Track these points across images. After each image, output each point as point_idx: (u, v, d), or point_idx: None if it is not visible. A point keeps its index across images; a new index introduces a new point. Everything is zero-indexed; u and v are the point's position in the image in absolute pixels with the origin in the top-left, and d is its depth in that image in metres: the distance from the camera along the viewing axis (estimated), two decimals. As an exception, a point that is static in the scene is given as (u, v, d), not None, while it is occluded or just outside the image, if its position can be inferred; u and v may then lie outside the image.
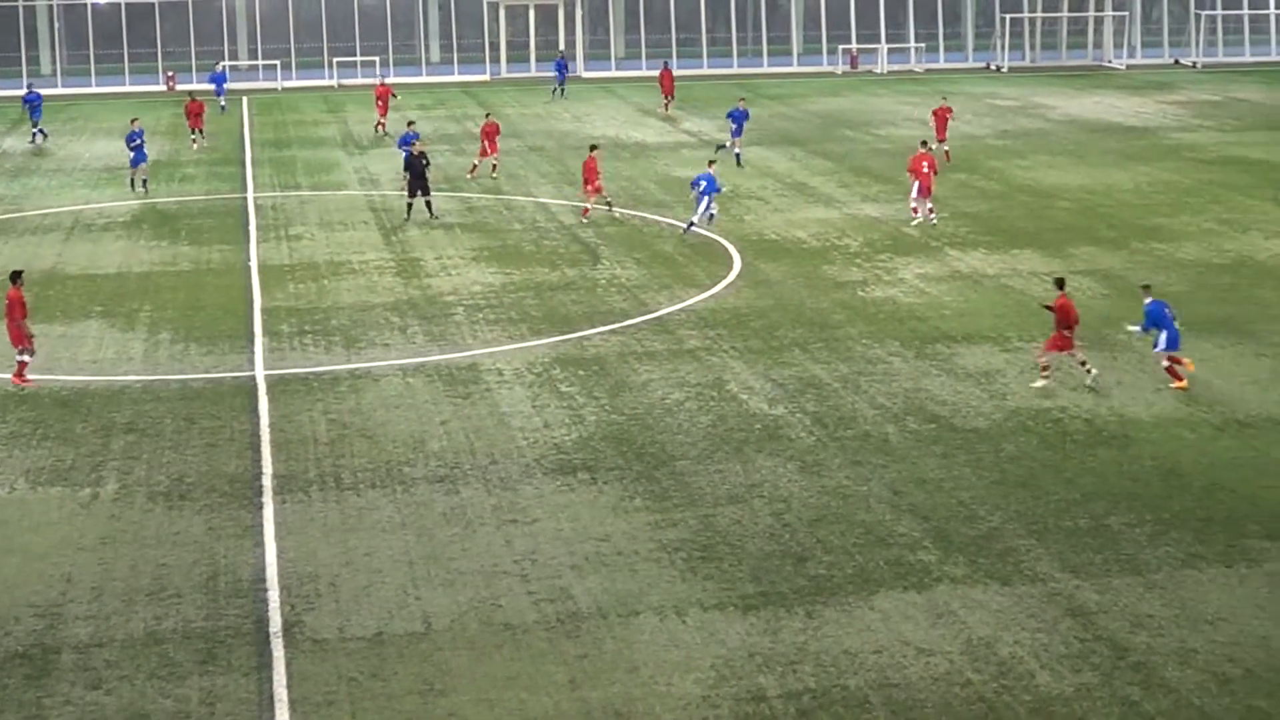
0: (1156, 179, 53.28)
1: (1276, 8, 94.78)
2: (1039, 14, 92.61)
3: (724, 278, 39.08)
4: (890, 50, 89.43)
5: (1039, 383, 29.96)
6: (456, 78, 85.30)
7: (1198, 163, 56.64)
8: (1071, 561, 22.20)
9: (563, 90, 77.06)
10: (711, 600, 20.99)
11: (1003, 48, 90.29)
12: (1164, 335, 30.09)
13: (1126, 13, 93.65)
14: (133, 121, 54.15)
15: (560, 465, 26.05)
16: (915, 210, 45.73)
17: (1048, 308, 30.72)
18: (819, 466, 25.98)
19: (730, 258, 41.27)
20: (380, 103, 65.93)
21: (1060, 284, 30.76)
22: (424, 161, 46.28)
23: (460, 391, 30.07)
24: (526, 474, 25.67)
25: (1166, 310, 30.36)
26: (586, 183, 46.09)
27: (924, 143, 48.14)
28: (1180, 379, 29.92)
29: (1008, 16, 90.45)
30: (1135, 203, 49.11)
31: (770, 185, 52.23)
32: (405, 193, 46.70)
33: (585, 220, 45.79)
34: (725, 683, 18.78)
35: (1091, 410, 28.73)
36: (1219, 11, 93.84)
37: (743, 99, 61.59)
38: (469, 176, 53.55)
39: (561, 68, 78.08)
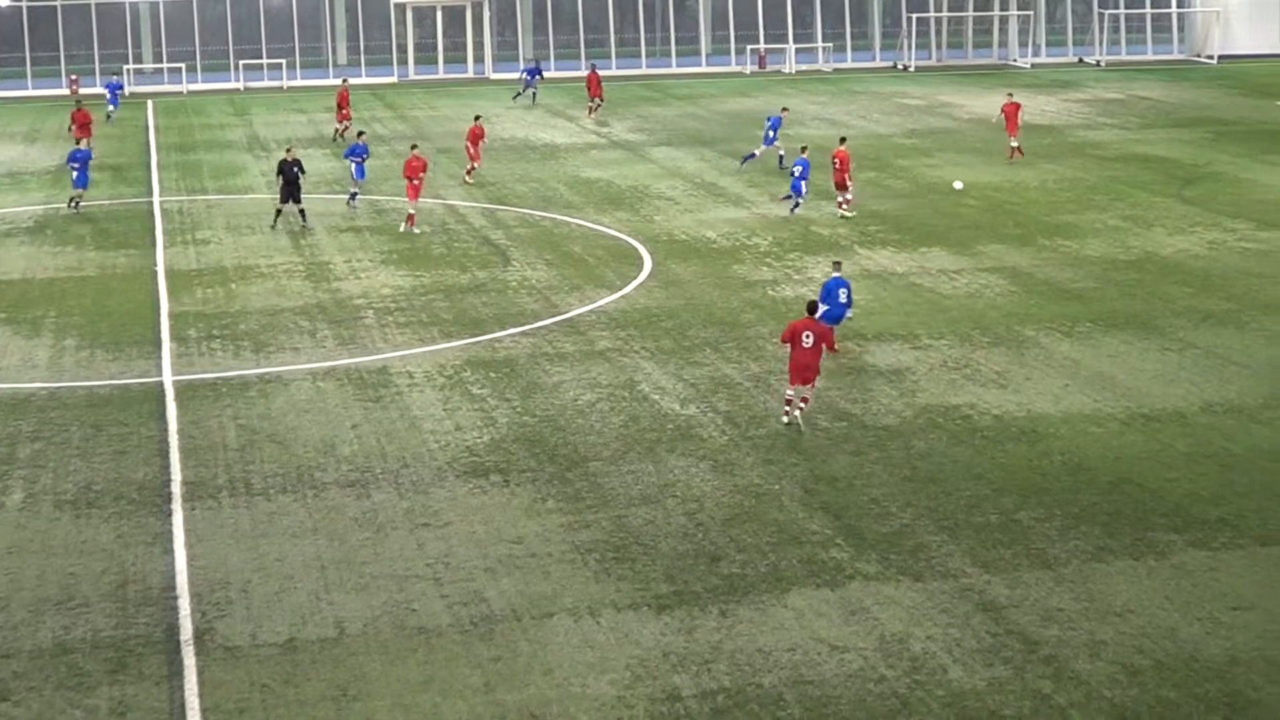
0: (1062, 176, 53.78)
1: (1178, 6, 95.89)
2: (945, 14, 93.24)
3: (634, 278, 39.10)
4: (798, 50, 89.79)
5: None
6: (364, 80, 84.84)
7: (1102, 160, 57.21)
8: (982, 557, 22.37)
9: (534, 96, 75.36)
10: (625, 601, 20.99)
11: (909, 47, 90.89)
12: (824, 309, 30.68)
13: (1031, 12, 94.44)
14: (78, 140, 52.71)
15: (473, 468, 25.98)
16: (841, 205, 46.51)
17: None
18: (731, 466, 26.04)
19: (640, 258, 41.30)
20: (342, 109, 63.95)
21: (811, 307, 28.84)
22: (297, 169, 45.60)
23: (371, 395, 29.93)
24: (439, 477, 25.58)
25: (838, 290, 31.75)
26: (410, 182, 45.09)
27: (842, 139, 48.70)
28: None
29: (914, 16, 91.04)
30: (1042, 200, 49.55)
31: (680, 185, 52.31)
32: (277, 199, 46.07)
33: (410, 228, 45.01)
34: (640, 683, 18.79)
35: (1000, 406, 28.96)
36: (1121, 10, 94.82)
37: (785, 109, 60.02)
38: (467, 180, 53.07)
39: (533, 73, 76.85)
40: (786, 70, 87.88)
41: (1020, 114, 57.65)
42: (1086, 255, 41.53)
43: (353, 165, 48.99)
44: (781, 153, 54.92)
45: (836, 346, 29.56)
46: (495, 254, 42.17)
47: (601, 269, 40.25)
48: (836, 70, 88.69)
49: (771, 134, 55.51)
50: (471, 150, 53.54)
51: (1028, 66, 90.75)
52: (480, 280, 39.09)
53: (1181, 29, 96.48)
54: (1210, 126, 65.74)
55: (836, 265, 33.53)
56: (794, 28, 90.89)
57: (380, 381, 30.81)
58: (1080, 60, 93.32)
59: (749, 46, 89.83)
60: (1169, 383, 30.47)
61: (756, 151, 55.41)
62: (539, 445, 27.05)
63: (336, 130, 63.91)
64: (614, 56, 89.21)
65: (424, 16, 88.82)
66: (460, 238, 44.29)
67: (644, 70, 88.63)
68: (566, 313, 35.83)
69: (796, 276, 39.15)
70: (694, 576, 21.76)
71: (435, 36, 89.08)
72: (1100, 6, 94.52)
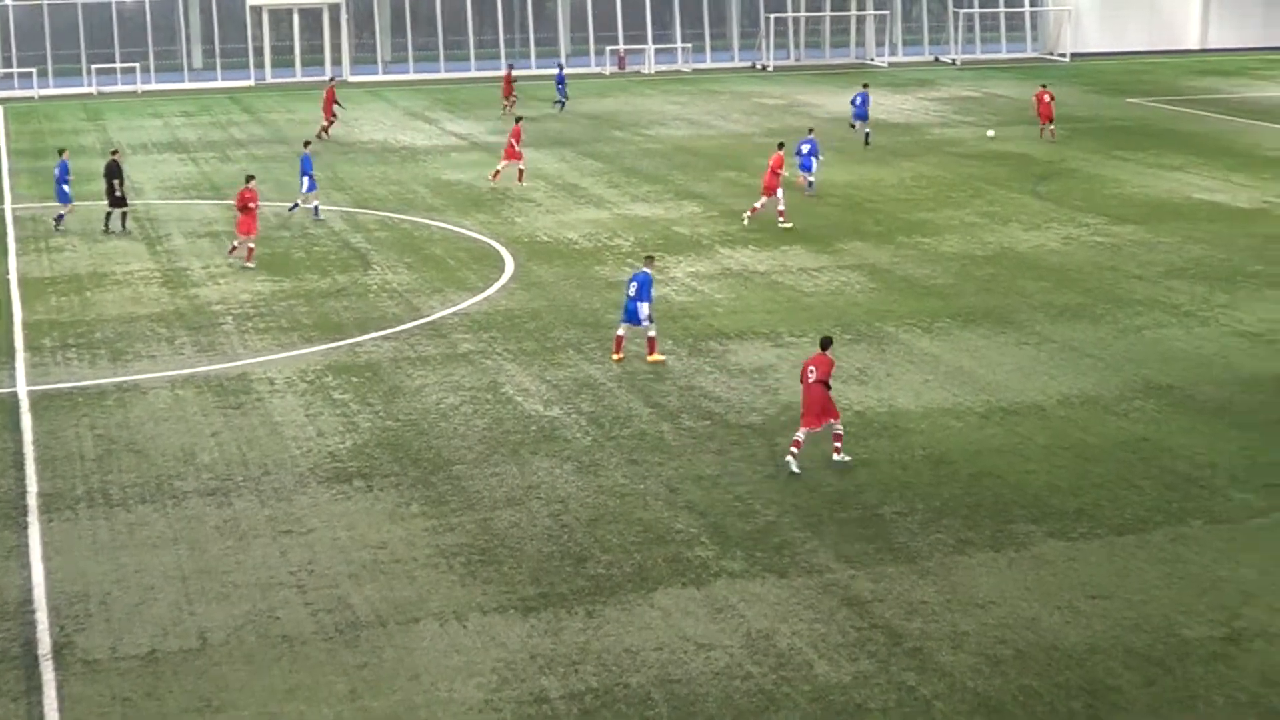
0: (920, 174, 54.34)
1: (1031, 6, 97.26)
2: (802, 14, 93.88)
3: (496, 280, 38.99)
4: (658, 51, 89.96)
5: None
6: (220, 84, 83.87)
7: (959, 157, 57.89)
8: (846, 552, 22.54)
9: (563, 105, 73.05)
10: (491, 604, 20.92)
11: (768, 47, 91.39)
12: (645, 307, 31.59)
13: (887, 11, 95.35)
14: (60, 153, 51.63)
15: (335, 473, 25.77)
16: (776, 211, 46.14)
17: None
18: (596, 466, 26.04)
19: (502, 260, 41.20)
20: (329, 106, 64.30)
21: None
22: (115, 173, 44.78)
23: (231, 402, 29.58)
24: (301, 484, 25.35)
25: (635, 287, 31.69)
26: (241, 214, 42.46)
27: (780, 144, 48.53)
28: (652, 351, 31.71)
29: (772, 16, 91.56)
30: (900, 197, 50.04)
31: (541, 187, 52.22)
32: (106, 203, 45.30)
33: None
34: (507, 685, 18.74)
35: (862, 402, 29.20)
36: (976, 10, 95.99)
37: (866, 84, 65.55)
38: (519, 182, 52.56)
39: (561, 79, 74.27)
40: (646, 71, 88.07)
41: (1051, 102, 61.95)
42: (944, 251, 42.00)
43: (305, 180, 47.59)
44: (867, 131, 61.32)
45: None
46: (356, 258, 41.86)
47: (463, 271, 40.08)
48: (696, 71, 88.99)
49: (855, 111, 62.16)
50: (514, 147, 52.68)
51: (885, 66, 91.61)
52: (341, 284, 38.79)
53: (1034, 28, 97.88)
54: (1063, 123, 66.66)
55: (648, 260, 33.67)
56: (653, 28, 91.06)
57: (240, 388, 30.46)
58: (936, 59, 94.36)
59: (608, 47, 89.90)
60: (1027, 376, 30.89)
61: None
62: (402, 449, 26.89)
63: (325, 129, 64.03)
64: (473, 59, 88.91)
65: (280, 19, 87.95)
66: (320, 242, 43.91)
67: (503, 72, 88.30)
68: (428, 316, 35.65)
69: (659, 277, 39.18)
70: (560, 578, 21.74)
71: (292, 39, 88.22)
72: (955, 6, 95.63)
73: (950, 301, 36.57)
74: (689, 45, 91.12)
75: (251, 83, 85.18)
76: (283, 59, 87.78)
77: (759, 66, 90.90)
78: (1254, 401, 29.37)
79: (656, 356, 31.94)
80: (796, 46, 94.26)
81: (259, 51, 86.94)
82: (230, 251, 41.56)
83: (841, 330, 33.99)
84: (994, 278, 38.91)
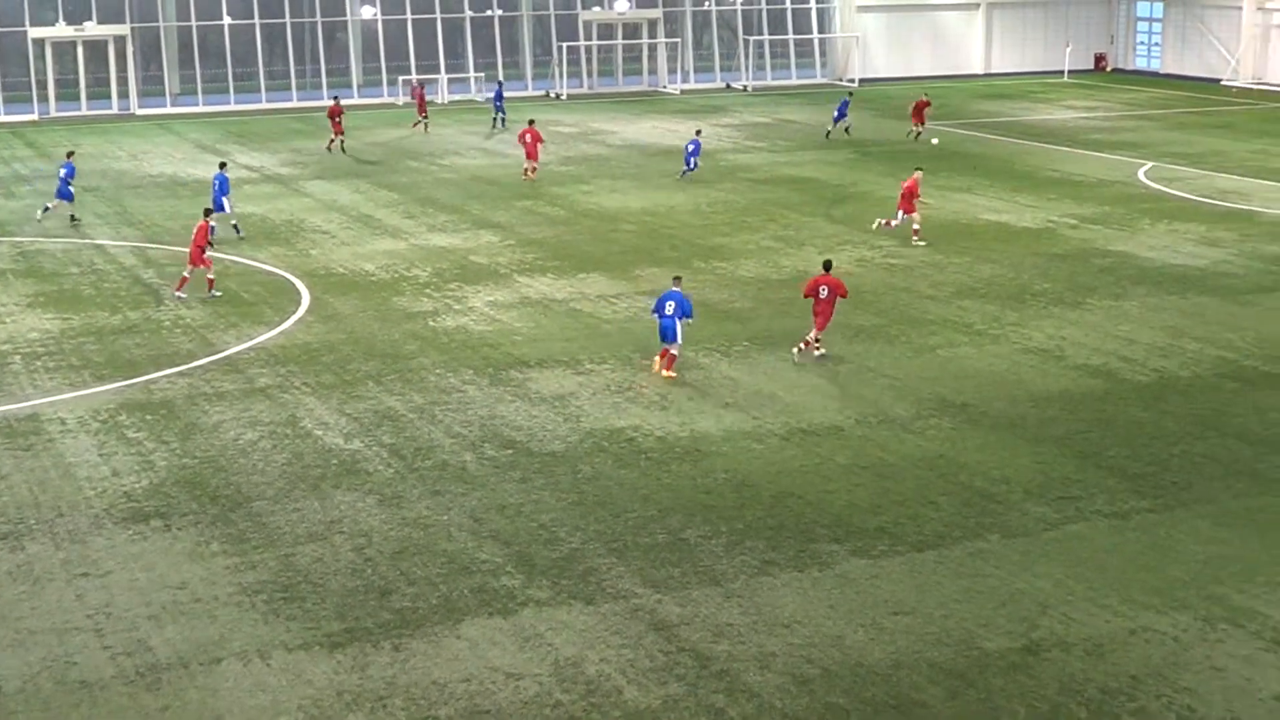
0: (715, 199, 54.82)
1: (819, 33, 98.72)
2: (595, 42, 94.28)
3: (293, 313, 38.55)
4: (450, 80, 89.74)
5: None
6: (2, 118, 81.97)
7: (753, 182, 58.51)
8: (652, 577, 22.60)
9: (502, 120, 75.94)
10: (296, 641, 20.63)
11: (561, 75, 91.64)
12: (679, 326, 32.85)
13: (679, 39, 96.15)
14: (69, 155, 53.24)
15: (132, 514, 25.24)
16: (890, 223, 47.39)
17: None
18: (398, 498, 25.83)
19: (298, 293, 40.74)
20: (335, 120, 67.41)
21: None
22: None
23: (21, 444, 28.84)
24: (96, 525, 24.78)
25: (670, 302, 32.72)
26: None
27: (919, 168, 49.25)
28: (669, 368, 33.02)
29: (565, 45, 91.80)
30: (696, 223, 50.42)
31: (336, 218, 51.76)
32: None
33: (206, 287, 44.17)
34: (314, 724, 18.48)
35: (664, 428, 29.33)
36: (766, 37, 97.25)
37: (851, 93, 73.77)
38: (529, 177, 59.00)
39: (499, 95, 77.12)
40: (439, 100, 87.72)
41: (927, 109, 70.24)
42: (741, 276, 42.40)
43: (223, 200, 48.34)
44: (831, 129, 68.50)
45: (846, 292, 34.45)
46: (148, 293, 41.10)
47: (259, 305, 39.56)
48: (489, 100, 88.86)
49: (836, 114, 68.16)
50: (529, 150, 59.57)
51: (677, 93, 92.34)
52: (133, 321, 38.05)
53: (823, 54, 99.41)
54: (854, 148, 67.82)
55: (676, 280, 34.32)
56: (445, 57, 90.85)
57: (30, 429, 29.72)
58: (728, 86, 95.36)
59: (401, 77, 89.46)
60: (825, 397, 31.26)
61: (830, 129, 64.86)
62: (200, 487, 26.43)
63: (334, 143, 67.62)
64: (263, 90, 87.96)
65: (64, 51, 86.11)
66: (110, 278, 43.05)
67: (295, 103, 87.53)
68: (224, 351, 35.11)
69: (457, 306, 39.09)
70: (365, 612, 21.51)
71: (77, 72, 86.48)
72: (745, 34, 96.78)
73: (748, 325, 36.91)
74: (482, 74, 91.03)
75: (35, 116, 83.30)
76: (67, 92, 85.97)
77: (553, 95, 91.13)
78: (1045, 416, 30.05)
79: (671, 373, 32.77)
80: (589, 75, 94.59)
81: (42, 84, 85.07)
82: (209, 286, 40.63)
83: (641, 356, 34.13)
84: (790, 301, 39.32)
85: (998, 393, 31.55)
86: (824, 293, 33.63)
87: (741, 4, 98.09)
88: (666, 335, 32.77)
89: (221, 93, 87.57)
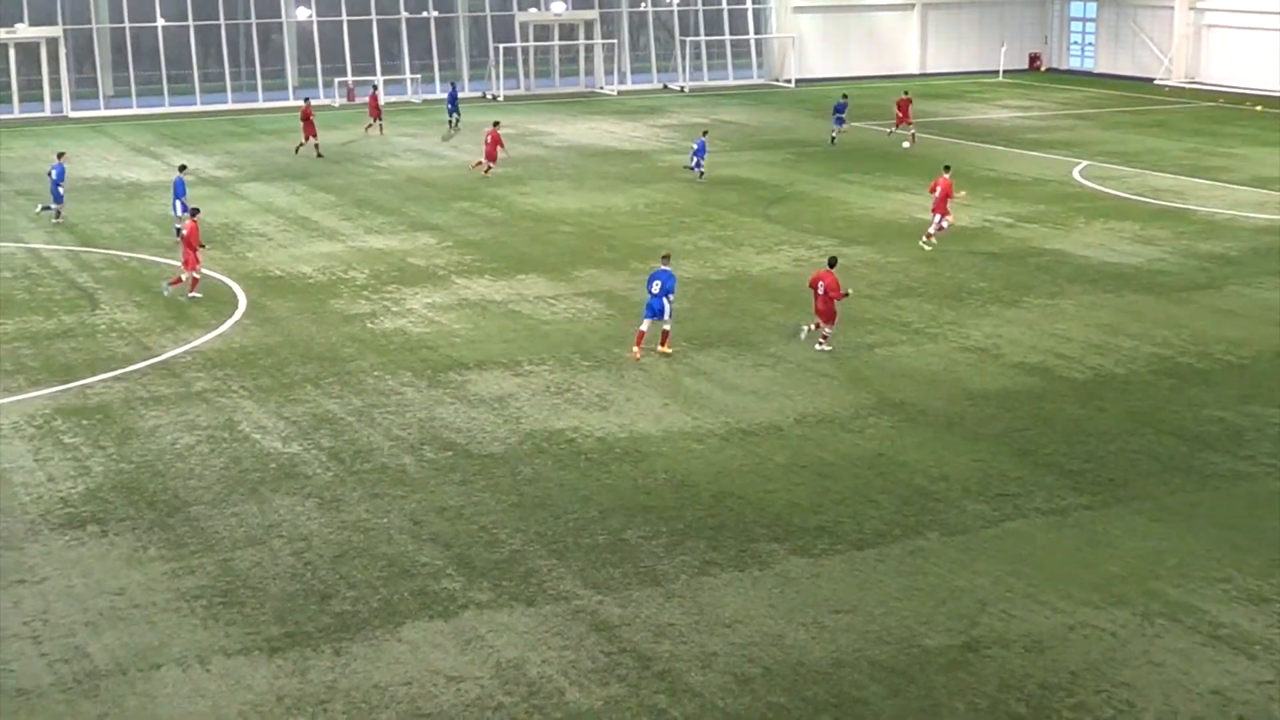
0: (653, 200, 54.85)
1: (756, 33, 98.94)
2: (531, 43, 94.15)
3: (230, 317, 38.33)
4: (387, 82, 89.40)
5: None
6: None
7: (690, 183, 58.54)
8: (593, 578, 22.59)
9: (457, 123, 75.05)
10: (236, 646, 20.51)
11: (498, 77, 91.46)
12: (666, 304, 34.18)
13: (615, 40, 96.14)
14: (59, 156, 53.32)
15: (68, 519, 25.03)
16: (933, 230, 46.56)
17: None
18: (338, 502, 25.73)
19: (235, 296, 40.51)
20: (307, 122, 66.83)
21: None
22: None
23: (-45, 449, 28.59)
24: (32, 531, 24.56)
25: (656, 281, 34.18)
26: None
27: (946, 167, 49.02)
28: (664, 342, 34.55)
29: (501, 46, 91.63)
30: (634, 224, 50.44)
31: (272, 221, 51.52)
32: None
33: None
34: (254, 729, 18.39)
35: (603, 428, 29.33)
36: (702, 38, 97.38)
37: (845, 95, 73.14)
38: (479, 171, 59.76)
39: (453, 98, 76.03)
40: (335, 105, 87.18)
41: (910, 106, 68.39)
42: (679, 276, 42.28)
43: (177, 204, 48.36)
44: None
45: (845, 291, 34.66)
46: (83, 297, 40.78)
47: (195, 309, 39.31)
48: (426, 101, 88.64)
49: (836, 117, 68.33)
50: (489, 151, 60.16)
51: (614, 94, 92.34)
52: (68, 325, 37.74)
53: (760, 55, 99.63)
54: (791, 148, 68.02)
55: (664, 258, 35.66)
56: (381, 59, 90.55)
57: (-36, 435, 29.46)
58: (665, 87, 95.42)
59: (337, 79, 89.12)
60: (764, 397, 31.33)
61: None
62: (138, 492, 26.24)
63: (303, 145, 66.61)
64: (198, 92, 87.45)
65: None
66: (44, 282, 42.68)
67: (230, 105, 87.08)
68: (160, 355, 34.88)
69: (395, 309, 38.96)
70: (305, 616, 21.41)
71: (9, 74, 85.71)
72: (682, 34, 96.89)
73: (687, 325, 36.93)
74: (418, 76, 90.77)
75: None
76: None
77: (489, 96, 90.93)
78: (983, 414, 30.20)
79: (667, 349, 34.29)
80: (526, 76, 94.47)
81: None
82: (192, 285, 40.22)
83: (580, 357, 34.13)
84: (729, 301, 39.42)
85: (936, 391, 31.69)
86: (820, 289, 34.44)
87: (678, 5, 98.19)
88: (650, 311, 34.14)
89: (156, 95, 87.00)
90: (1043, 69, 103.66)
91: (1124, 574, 22.67)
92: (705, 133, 61.76)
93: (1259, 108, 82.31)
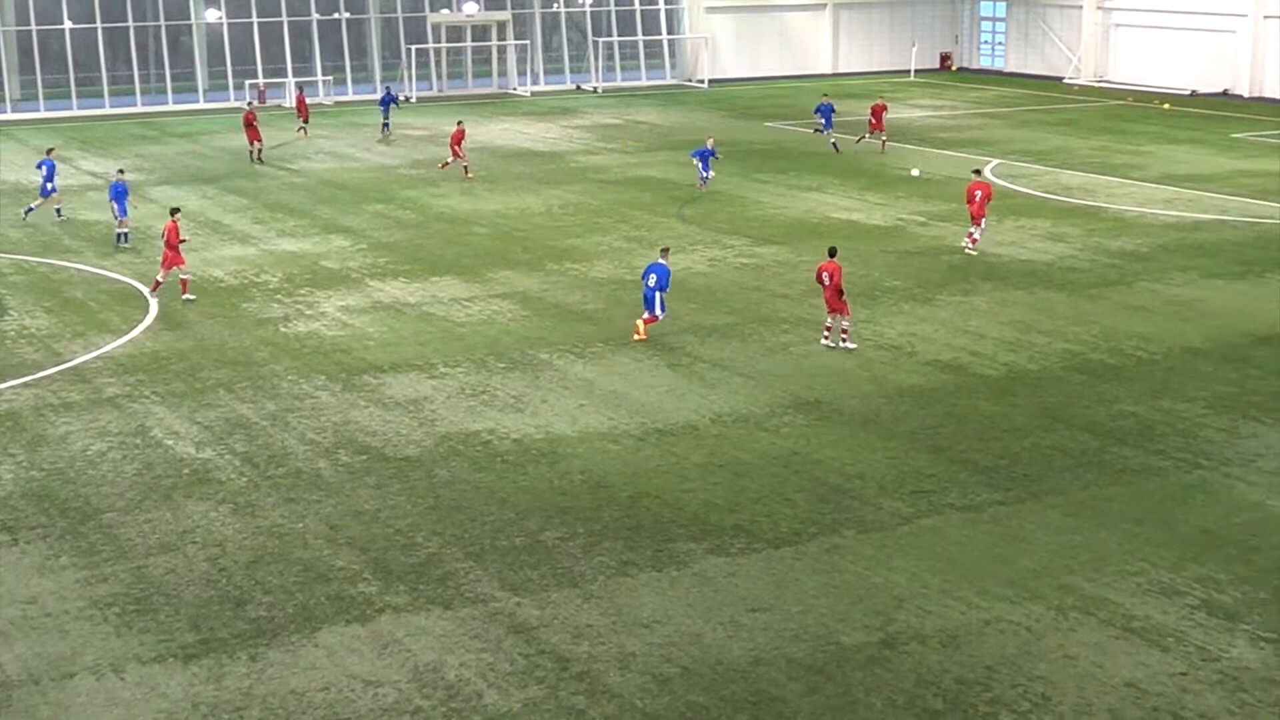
0: (567, 201, 54.81)
1: (668, 34, 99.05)
2: (444, 44, 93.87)
3: (140, 322, 37.98)
4: (299, 84, 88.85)
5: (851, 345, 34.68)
6: None
7: (604, 184, 58.57)
8: (510, 580, 22.54)
9: (387, 126, 74.39)
10: (150, 654, 20.32)
11: (410, 78, 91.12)
12: (658, 297, 35.52)
13: (528, 41, 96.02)
14: (49, 151, 53.57)
15: (-23, 528, 24.73)
16: (972, 239, 45.58)
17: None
18: (252, 507, 25.54)
19: (146, 301, 40.14)
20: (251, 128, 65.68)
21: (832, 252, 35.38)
22: None
23: None
24: (-60, 540, 24.26)
25: (652, 275, 35.52)
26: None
27: (976, 170, 48.46)
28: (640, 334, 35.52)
29: (413, 48, 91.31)
30: (548, 225, 50.38)
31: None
32: None
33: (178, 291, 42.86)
34: (169, 737, 18.22)
35: (519, 430, 29.27)
36: (615, 38, 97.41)
37: (825, 95, 71.82)
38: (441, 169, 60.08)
39: (388, 101, 74.98)
40: (287, 105, 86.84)
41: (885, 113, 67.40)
42: (594, 277, 42.42)
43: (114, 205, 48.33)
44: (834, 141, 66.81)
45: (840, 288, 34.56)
46: (-10, 303, 40.31)
47: (106, 314, 38.93)
48: (338, 103, 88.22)
49: (823, 120, 67.22)
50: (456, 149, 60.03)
51: (528, 95, 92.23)
52: (-25, 331, 37.30)
53: (673, 55, 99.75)
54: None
55: (663, 252, 37.22)
56: (293, 61, 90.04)
57: None
58: (578, 87, 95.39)
59: (248, 81, 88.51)
60: (680, 397, 31.36)
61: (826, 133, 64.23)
62: (48, 500, 25.94)
63: (253, 151, 65.48)
64: (107, 95, 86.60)
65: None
66: (-49, 288, 42.17)
67: (139, 108, 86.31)
68: (70, 361, 34.51)
69: (308, 312, 38.73)
70: (220, 623, 21.24)
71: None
72: (595, 35, 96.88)
73: (602, 326, 36.94)
74: (330, 77, 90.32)
75: None
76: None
77: (402, 98, 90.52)
78: (897, 411, 30.36)
79: (642, 336, 35.44)
80: (439, 77, 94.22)
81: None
82: (184, 287, 39.84)
83: (495, 359, 34.06)
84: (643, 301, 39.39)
85: (851, 389, 31.83)
86: (826, 279, 34.61)
87: (591, 6, 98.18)
88: (647, 304, 35.53)
89: (63, 98, 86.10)
90: (954, 68, 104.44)
91: (1038, 569, 22.85)
92: (710, 140, 58.61)
93: (1167, 106, 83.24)
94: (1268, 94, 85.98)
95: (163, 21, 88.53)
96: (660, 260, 36.09)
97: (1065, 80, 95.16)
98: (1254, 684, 19.35)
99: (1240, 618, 21.21)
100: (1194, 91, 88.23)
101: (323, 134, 74.63)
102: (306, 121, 73.60)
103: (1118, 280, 41.67)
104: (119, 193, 48.12)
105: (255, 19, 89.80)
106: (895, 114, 79.99)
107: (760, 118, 79.10)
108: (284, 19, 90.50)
